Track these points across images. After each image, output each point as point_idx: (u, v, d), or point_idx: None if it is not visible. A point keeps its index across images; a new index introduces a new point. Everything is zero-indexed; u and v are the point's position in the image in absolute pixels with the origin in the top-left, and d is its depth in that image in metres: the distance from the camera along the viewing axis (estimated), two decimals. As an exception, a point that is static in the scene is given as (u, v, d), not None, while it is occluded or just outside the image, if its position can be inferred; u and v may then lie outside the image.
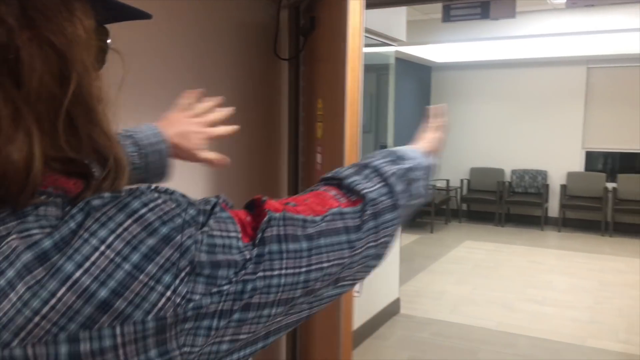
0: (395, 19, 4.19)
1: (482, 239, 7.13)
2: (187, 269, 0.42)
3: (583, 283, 5.20)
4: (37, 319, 0.38)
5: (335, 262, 0.55)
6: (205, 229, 0.44)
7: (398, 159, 0.73)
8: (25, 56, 0.41)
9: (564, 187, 7.84)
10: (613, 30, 5.68)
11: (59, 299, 0.38)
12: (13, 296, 0.38)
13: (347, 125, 2.13)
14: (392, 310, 4.24)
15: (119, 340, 0.39)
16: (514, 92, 8.30)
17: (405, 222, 0.74)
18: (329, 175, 0.67)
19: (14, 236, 0.39)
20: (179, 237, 0.42)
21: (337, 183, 0.65)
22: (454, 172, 8.68)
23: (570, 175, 7.89)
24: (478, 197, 8.26)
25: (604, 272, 5.60)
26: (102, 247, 0.40)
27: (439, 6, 4.81)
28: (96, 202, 0.42)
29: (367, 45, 4.56)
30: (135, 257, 0.40)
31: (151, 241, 0.41)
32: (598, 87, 7.81)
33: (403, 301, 4.43)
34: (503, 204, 8.03)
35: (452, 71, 8.70)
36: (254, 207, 0.52)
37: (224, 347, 0.46)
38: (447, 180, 8.29)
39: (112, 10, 0.50)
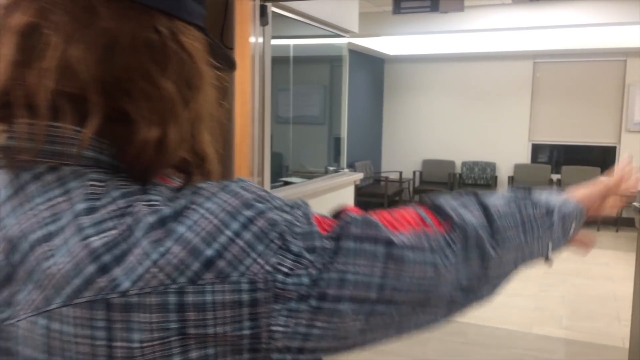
0: (347, 10, 4.18)
1: (434, 230, 7.26)
2: (277, 241, 0.48)
3: (528, 271, 5.35)
4: (154, 269, 0.44)
5: (415, 278, 0.54)
6: (291, 216, 0.51)
7: (525, 198, 0.68)
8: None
9: (511, 179, 8.08)
10: (558, 26, 5.86)
11: (174, 254, 0.45)
12: (138, 250, 0.45)
13: (235, 115, 2.18)
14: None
15: (218, 297, 0.45)
16: (464, 86, 8.47)
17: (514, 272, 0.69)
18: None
19: (142, 204, 0.47)
20: (270, 213, 0.49)
21: (430, 205, 0.63)
22: (406, 164, 8.79)
23: (518, 167, 8.14)
24: (430, 188, 8.41)
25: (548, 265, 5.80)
26: (209, 216, 0.47)
27: (390, -1, 4.82)
28: (203, 185, 0.51)
29: (319, 36, 4.54)
30: (235, 225, 0.47)
31: (248, 213, 0.48)
32: (544, 81, 8.06)
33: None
34: (454, 195, 8.20)
35: (404, 64, 8.80)
36: (337, 215, 0.56)
37: (302, 330, 0.49)
38: (400, 172, 8.39)
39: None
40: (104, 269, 0.44)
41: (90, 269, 0.44)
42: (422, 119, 8.71)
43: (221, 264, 0.46)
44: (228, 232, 0.47)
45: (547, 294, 4.67)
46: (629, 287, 4.87)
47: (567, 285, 4.92)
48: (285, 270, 0.48)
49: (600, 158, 7.90)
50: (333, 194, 3.92)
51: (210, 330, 0.45)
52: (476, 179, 8.34)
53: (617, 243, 6.65)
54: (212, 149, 0.56)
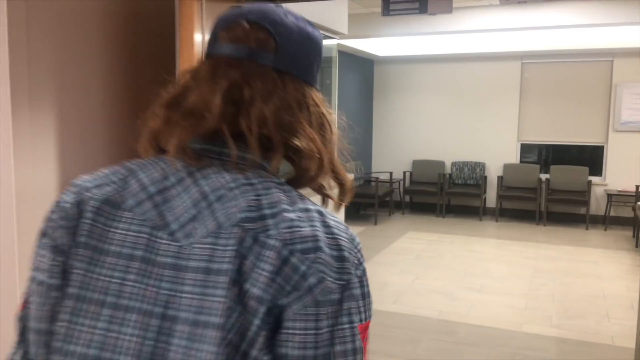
0: (336, 11, 4.18)
1: (424, 230, 7.29)
2: (357, 261, 0.65)
3: (519, 270, 5.41)
4: (287, 234, 0.61)
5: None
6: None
7: None
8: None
9: (500, 179, 8.12)
10: (545, 27, 5.91)
11: (319, 230, 0.63)
12: (306, 225, 0.62)
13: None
14: (336, 303, 4.25)
15: (318, 277, 0.61)
16: (454, 86, 8.51)
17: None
18: None
19: (309, 202, 0.68)
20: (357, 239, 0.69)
21: None
22: (397, 165, 8.82)
23: (507, 167, 8.19)
24: (420, 189, 8.43)
25: (538, 259, 5.84)
26: (340, 226, 0.67)
27: (379, 0, 4.82)
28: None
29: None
30: (348, 236, 0.67)
31: (351, 235, 0.68)
32: (532, 81, 8.12)
33: (347, 294, 4.45)
34: (444, 195, 8.24)
35: (394, 65, 8.82)
36: None
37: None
38: (391, 173, 8.41)
39: None
40: (262, 218, 0.62)
41: (254, 215, 0.62)
42: (411, 120, 8.74)
43: (347, 263, 0.63)
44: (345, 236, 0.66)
45: (537, 293, 4.70)
46: (617, 286, 4.93)
47: (557, 284, 4.96)
48: (354, 279, 0.64)
49: (589, 157, 7.97)
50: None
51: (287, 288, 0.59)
52: (466, 179, 8.38)
53: (606, 241, 6.71)
54: (346, 174, 0.75)
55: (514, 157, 8.26)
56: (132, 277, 0.62)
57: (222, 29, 0.72)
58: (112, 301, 0.62)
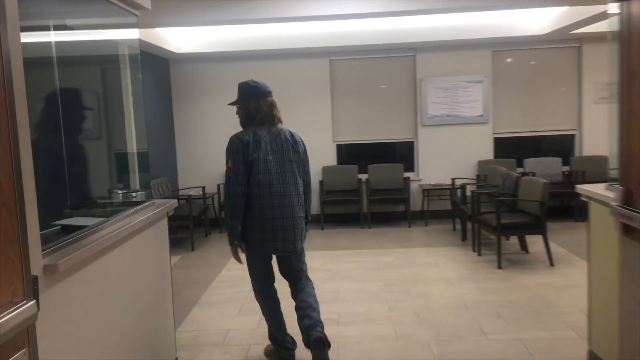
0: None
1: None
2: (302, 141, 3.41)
3: (369, 287, 4.85)
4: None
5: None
6: None
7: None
8: None
9: (321, 183, 7.62)
10: (346, 15, 5.47)
11: None
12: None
13: None
14: (171, 382, 3.09)
15: None
16: (262, 86, 7.74)
17: None
18: None
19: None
20: None
21: None
22: (208, 177, 7.75)
23: (326, 170, 7.73)
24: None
25: (380, 269, 5.39)
26: None
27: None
28: None
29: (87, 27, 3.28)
30: None
31: None
32: (341, 79, 7.78)
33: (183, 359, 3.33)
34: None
35: (193, 64, 7.72)
36: None
37: None
38: (203, 187, 7.31)
39: None
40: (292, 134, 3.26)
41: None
42: (218, 126, 7.75)
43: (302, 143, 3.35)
44: None
45: (400, 314, 4.16)
46: (470, 290, 4.66)
47: (413, 297, 4.50)
48: None
49: (402, 154, 7.94)
50: (143, 236, 2.77)
51: None
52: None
53: (432, 238, 6.62)
54: None
55: (331, 159, 7.85)
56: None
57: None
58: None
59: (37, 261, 1.73)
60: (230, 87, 7.75)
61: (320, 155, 7.79)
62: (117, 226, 2.52)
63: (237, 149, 3.02)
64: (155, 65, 7.24)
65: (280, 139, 3.12)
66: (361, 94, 7.78)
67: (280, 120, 3.22)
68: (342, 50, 7.58)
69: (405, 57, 7.69)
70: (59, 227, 2.81)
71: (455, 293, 4.58)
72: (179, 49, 7.11)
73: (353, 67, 7.77)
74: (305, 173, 3.27)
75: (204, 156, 7.76)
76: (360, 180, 7.63)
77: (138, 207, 2.93)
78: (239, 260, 3.13)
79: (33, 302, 1.50)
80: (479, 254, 5.76)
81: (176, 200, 3.34)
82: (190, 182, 7.74)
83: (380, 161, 7.83)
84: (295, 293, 3.26)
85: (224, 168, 8.19)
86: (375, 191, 7.55)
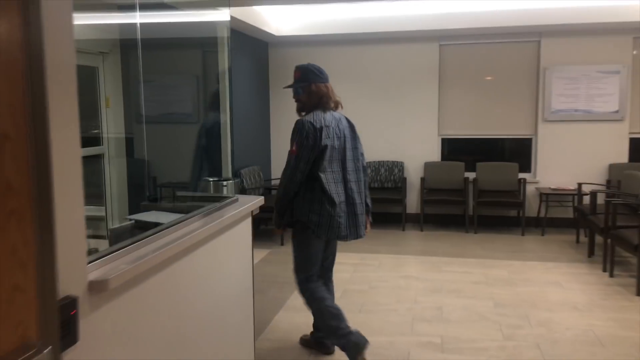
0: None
1: (343, 248, 5.91)
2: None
3: (477, 305, 4.19)
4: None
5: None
6: None
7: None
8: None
9: (422, 180, 6.98)
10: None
11: None
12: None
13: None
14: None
15: None
16: (362, 73, 7.22)
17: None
18: None
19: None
20: None
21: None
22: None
23: (428, 166, 7.06)
24: (331, 196, 7.05)
25: (490, 284, 4.69)
26: None
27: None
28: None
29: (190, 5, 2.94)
30: None
31: None
32: (451, 66, 7.05)
33: (262, 382, 2.91)
34: (359, 202, 6.92)
35: (293, 48, 7.33)
36: None
37: None
38: (295, 179, 6.93)
39: None
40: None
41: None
42: (316, 114, 7.32)
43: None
44: None
45: (519, 345, 3.48)
46: (604, 321, 3.70)
47: (533, 325, 3.79)
48: None
49: (517, 152, 7.08)
50: (222, 238, 2.36)
51: None
52: (383, 182, 7.15)
53: (550, 250, 5.77)
54: None
55: (435, 154, 7.16)
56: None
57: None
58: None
59: (78, 278, 1.30)
60: (331, 72, 7.28)
61: (423, 150, 7.14)
62: (194, 227, 2.11)
63: (308, 134, 2.94)
64: (253, 48, 6.93)
65: (343, 125, 3.12)
66: (473, 84, 7.01)
67: (338, 107, 3.18)
68: (454, 34, 6.84)
69: (527, 42, 6.80)
70: (133, 222, 2.47)
71: (585, 323, 3.81)
72: (279, 31, 6.74)
73: (465, 53, 7.00)
74: (363, 157, 3.25)
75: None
76: (467, 179, 6.88)
77: (219, 204, 2.53)
78: (281, 233, 3.60)
79: (49, 349, 1.08)
80: (611, 275, 4.87)
81: (263, 197, 2.92)
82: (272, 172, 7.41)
83: (491, 159, 7.02)
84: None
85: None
86: (484, 192, 6.77)
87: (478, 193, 6.73)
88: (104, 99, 3.18)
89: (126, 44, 3.12)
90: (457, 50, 7.02)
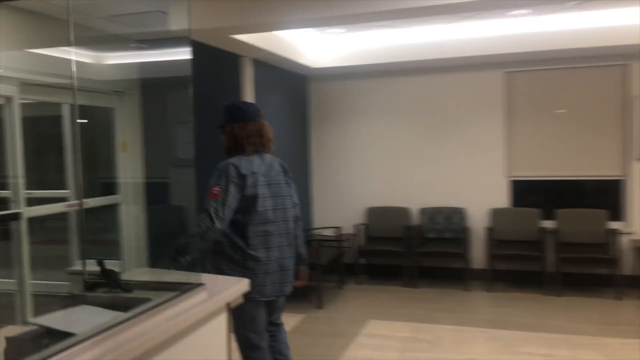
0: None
1: (390, 316, 4.91)
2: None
3: None
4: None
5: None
6: None
7: None
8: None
9: (490, 231, 5.89)
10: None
11: None
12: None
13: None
14: None
15: None
16: (417, 107, 6.33)
17: None
18: None
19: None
20: None
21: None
22: (346, 216, 6.48)
23: (496, 213, 5.99)
24: (379, 248, 6.08)
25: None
26: None
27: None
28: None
29: None
30: None
31: None
32: (520, 97, 6.03)
33: None
34: (413, 256, 5.92)
35: (336, 81, 6.57)
36: None
37: None
38: (339, 228, 6.05)
39: None
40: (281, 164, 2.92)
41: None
42: (363, 154, 6.47)
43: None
44: None
45: None
46: None
47: None
48: None
49: (604, 196, 5.89)
50: (175, 349, 1.53)
51: None
52: (441, 232, 6.12)
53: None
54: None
55: (503, 199, 6.08)
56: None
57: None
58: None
59: None
60: (377, 106, 6.45)
61: (488, 194, 6.08)
62: (130, 334, 1.27)
63: (231, 178, 2.61)
64: (291, 83, 6.21)
65: (274, 171, 2.80)
66: (546, 117, 5.95)
67: (270, 149, 2.82)
68: (522, 60, 5.85)
69: (612, 66, 5.70)
70: (36, 328, 1.66)
71: None
72: (315, 63, 5.99)
73: (536, 82, 5.98)
74: (297, 205, 2.95)
75: (342, 190, 6.52)
76: (543, 229, 5.75)
77: (175, 295, 1.68)
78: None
79: None
80: None
81: (247, 280, 2.05)
82: (326, 220, 6.54)
83: (570, 205, 5.86)
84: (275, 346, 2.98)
85: (366, 205, 6.91)
86: (566, 245, 5.59)
87: (560, 246, 5.56)
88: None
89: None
90: (526, 78, 6.01)
